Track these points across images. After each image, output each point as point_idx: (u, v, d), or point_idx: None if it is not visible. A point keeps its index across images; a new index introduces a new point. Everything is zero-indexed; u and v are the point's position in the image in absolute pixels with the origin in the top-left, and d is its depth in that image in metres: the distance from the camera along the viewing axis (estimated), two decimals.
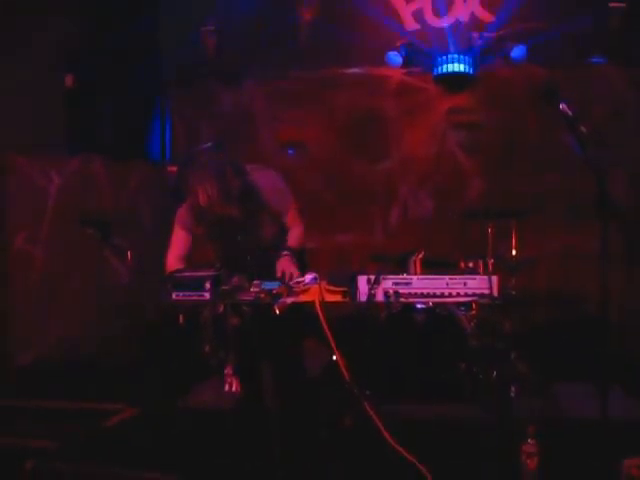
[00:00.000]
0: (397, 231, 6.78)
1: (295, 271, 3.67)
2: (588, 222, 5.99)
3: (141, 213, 6.52)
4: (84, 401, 4.61)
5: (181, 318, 3.70)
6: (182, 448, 3.68)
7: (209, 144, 3.84)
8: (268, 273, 3.64)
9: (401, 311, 4.82)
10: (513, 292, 5.20)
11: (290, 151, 7.13)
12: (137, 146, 6.85)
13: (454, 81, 6.64)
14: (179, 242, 3.89)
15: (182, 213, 3.88)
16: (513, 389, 4.63)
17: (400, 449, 3.08)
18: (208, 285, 3.24)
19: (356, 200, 6.85)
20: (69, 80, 6.33)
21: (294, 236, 3.98)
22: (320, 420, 3.54)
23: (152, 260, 6.28)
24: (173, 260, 3.84)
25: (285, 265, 3.71)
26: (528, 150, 6.56)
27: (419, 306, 4.86)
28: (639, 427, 3.80)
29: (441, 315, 4.98)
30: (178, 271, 3.50)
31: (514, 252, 5.38)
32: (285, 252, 3.79)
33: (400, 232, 6.73)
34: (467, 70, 6.54)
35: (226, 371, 3.26)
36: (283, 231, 4.00)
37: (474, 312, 4.94)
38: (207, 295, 3.24)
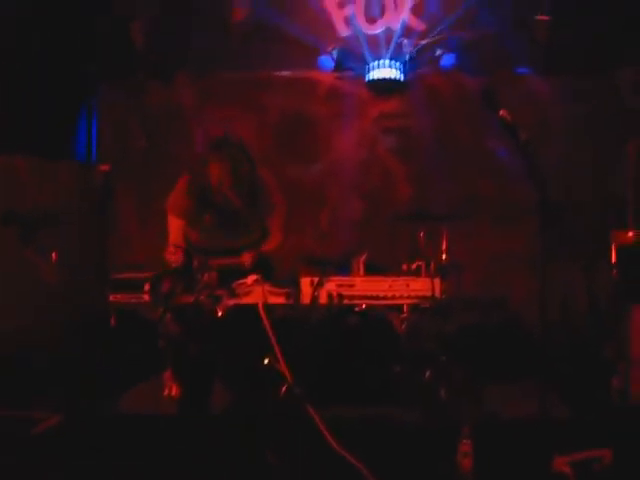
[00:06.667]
0: (327, 234, 6.77)
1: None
2: (515, 228, 6.22)
3: (67, 214, 6.28)
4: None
5: (113, 320, 3.59)
6: (114, 456, 3.57)
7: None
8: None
9: (336, 314, 4.84)
10: (443, 296, 5.25)
11: None
12: (63, 146, 6.62)
13: (385, 87, 6.70)
14: (176, 230, 3.83)
15: (177, 199, 3.82)
16: (444, 391, 4.68)
17: (342, 451, 3.07)
18: (147, 287, 3.17)
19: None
20: None
21: (272, 241, 4.09)
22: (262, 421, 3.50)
23: (79, 261, 6.14)
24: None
25: None
26: (456, 156, 6.68)
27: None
28: (568, 426, 3.94)
29: (374, 318, 5.00)
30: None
31: (444, 256, 5.45)
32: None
33: (330, 235, 6.73)
34: (398, 76, 6.61)
35: (165, 375, 3.20)
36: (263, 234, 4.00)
37: (405, 315, 4.98)
38: (146, 297, 3.17)
